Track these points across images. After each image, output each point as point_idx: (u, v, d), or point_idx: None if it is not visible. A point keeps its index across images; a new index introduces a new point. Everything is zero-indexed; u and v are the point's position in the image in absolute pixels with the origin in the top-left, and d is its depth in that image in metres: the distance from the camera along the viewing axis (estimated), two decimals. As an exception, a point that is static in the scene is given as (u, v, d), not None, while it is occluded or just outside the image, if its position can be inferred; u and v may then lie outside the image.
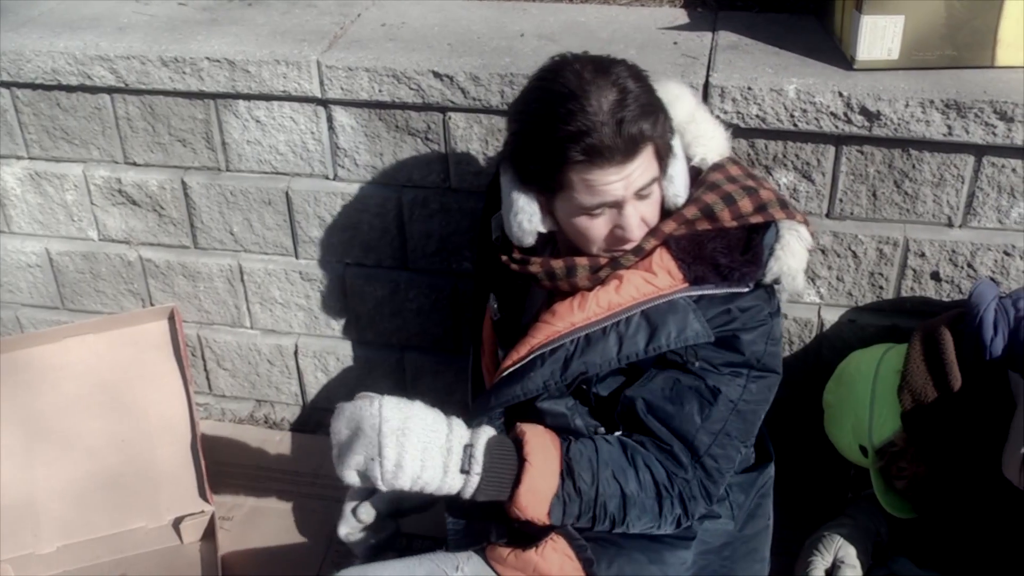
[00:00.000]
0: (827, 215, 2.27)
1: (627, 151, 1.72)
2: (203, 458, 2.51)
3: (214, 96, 2.41)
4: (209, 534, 2.46)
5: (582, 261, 1.86)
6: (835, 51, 2.23)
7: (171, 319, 2.60)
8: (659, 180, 1.81)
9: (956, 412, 2.02)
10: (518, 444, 1.79)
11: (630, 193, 1.77)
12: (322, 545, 2.41)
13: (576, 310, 1.84)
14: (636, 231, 1.81)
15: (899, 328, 2.30)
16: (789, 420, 2.50)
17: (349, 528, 1.99)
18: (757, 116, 2.14)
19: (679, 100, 1.94)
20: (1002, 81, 2.11)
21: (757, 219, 1.84)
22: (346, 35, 2.42)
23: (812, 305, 2.36)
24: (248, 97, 2.40)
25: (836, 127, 2.13)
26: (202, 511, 2.47)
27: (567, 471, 1.78)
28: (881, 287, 2.31)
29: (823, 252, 2.28)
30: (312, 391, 2.77)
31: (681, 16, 2.47)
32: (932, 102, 2.08)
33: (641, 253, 1.84)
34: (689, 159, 1.91)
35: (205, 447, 2.54)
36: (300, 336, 2.69)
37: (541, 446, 1.79)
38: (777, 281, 1.86)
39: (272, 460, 2.66)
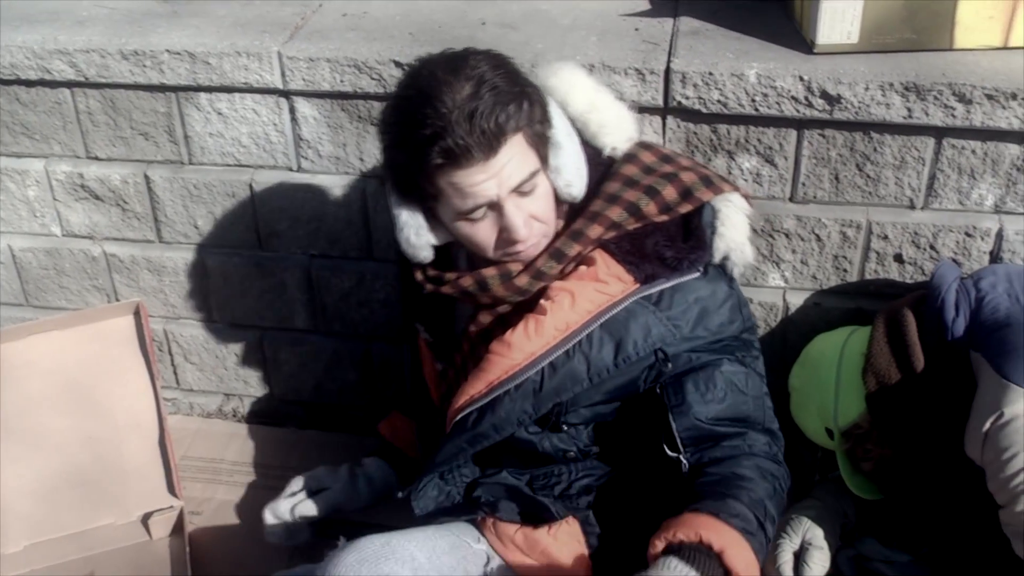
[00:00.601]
0: (790, 199, 2.28)
1: (487, 146, 1.65)
2: (171, 453, 2.50)
3: (175, 89, 2.40)
4: (178, 529, 2.45)
5: (490, 272, 1.81)
6: (795, 35, 2.24)
7: (137, 314, 2.58)
8: (542, 172, 1.75)
9: (919, 393, 2.03)
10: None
11: (505, 191, 1.70)
12: (292, 538, 2.40)
13: (533, 336, 1.76)
14: (523, 230, 1.74)
15: (864, 311, 2.32)
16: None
17: (272, 520, 2.17)
18: (719, 101, 2.15)
19: (575, 89, 1.88)
20: (961, 64, 2.13)
21: (687, 207, 1.80)
22: (307, 26, 2.41)
23: (777, 289, 2.37)
24: (210, 89, 2.38)
25: (797, 111, 2.14)
26: (171, 506, 2.46)
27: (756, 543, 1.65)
28: (845, 270, 2.32)
29: (787, 236, 2.29)
30: (280, 384, 2.76)
31: (643, 3, 2.47)
32: (892, 85, 2.09)
33: (563, 259, 1.78)
34: (600, 150, 1.86)
35: (173, 442, 2.53)
36: (267, 329, 2.68)
37: (737, 553, 1.60)
38: (727, 258, 1.85)
39: (241, 454, 2.65)
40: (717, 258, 1.84)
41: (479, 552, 1.92)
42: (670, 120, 2.21)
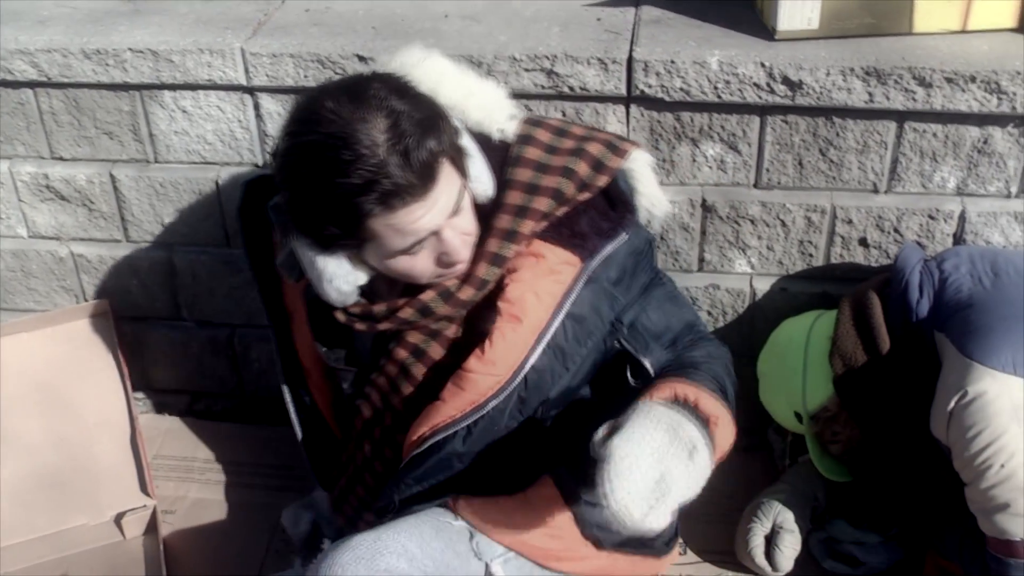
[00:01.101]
0: (755, 185, 2.29)
1: (425, 181, 1.59)
2: (143, 453, 2.49)
3: (139, 87, 2.39)
4: (152, 528, 2.44)
5: (429, 296, 1.77)
6: (756, 22, 2.25)
7: (105, 315, 2.58)
8: (465, 187, 1.72)
9: (886, 374, 2.05)
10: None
11: (443, 219, 1.66)
12: (265, 534, 2.40)
13: (512, 347, 1.74)
14: (463, 251, 1.72)
15: (830, 295, 2.33)
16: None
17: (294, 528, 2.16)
18: (681, 89, 2.16)
19: (444, 77, 1.80)
20: (920, 48, 2.15)
21: (604, 180, 1.81)
22: (270, 22, 2.41)
23: (744, 275, 2.38)
24: (173, 87, 2.37)
25: (760, 97, 2.15)
26: (144, 505, 2.45)
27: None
28: (811, 255, 2.34)
29: (752, 222, 2.30)
30: (250, 381, 2.76)
31: (605, -8, 2.48)
32: (852, 70, 2.10)
33: (504, 262, 1.75)
34: (488, 136, 1.82)
35: (145, 441, 2.53)
36: (236, 327, 2.68)
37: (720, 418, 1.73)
38: (651, 214, 1.89)
39: (213, 452, 2.65)
40: (644, 217, 1.87)
41: (461, 529, 1.91)
42: (633, 109, 2.22)
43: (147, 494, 2.47)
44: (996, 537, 1.87)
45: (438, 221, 1.65)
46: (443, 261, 1.72)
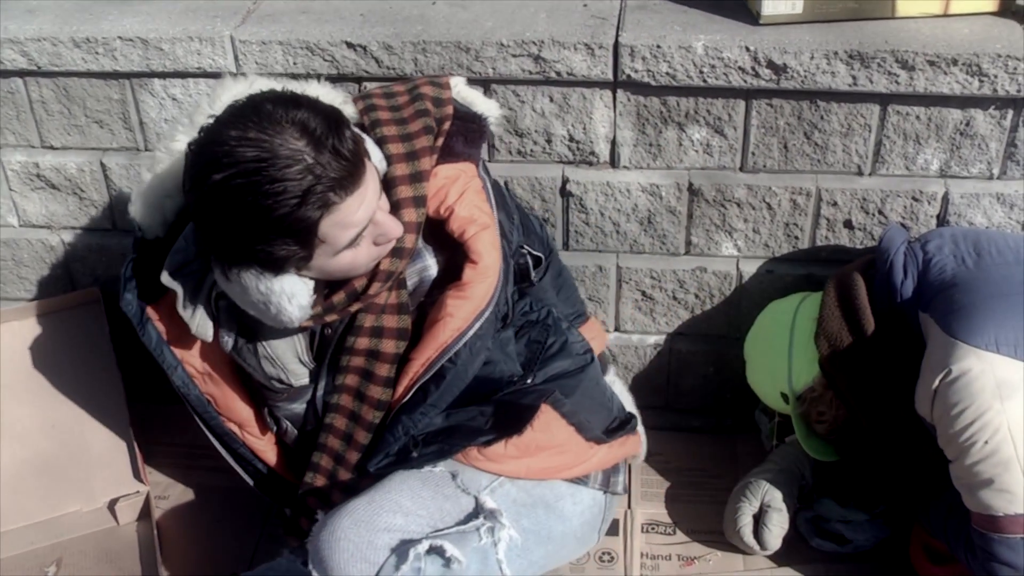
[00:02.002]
0: (741, 168, 2.32)
1: (357, 169, 1.67)
2: (136, 439, 2.51)
3: (129, 75, 2.40)
4: (145, 514, 2.46)
5: (385, 265, 1.84)
6: (741, 7, 2.27)
7: (97, 302, 2.59)
8: (374, 168, 1.78)
9: (871, 355, 2.08)
10: None
11: (375, 203, 1.74)
12: (259, 520, 2.42)
13: (490, 249, 1.87)
14: (395, 228, 1.78)
15: (816, 276, 2.36)
16: (713, 373, 2.56)
17: None
18: (667, 74, 2.18)
19: (257, 83, 1.87)
20: (903, 31, 2.17)
21: (449, 108, 1.93)
22: (259, 9, 2.42)
23: (730, 258, 2.41)
24: (163, 75, 2.38)
25: (745, 81, 2.17)
26: (137, 491, 2.46)
27: None
28: (796, 237, 2.36)
29: (738, 205, 2.33)
30: (244, 368, 2.77)
31: (592, -21, 2.50)
32: (836, 54, 2.13)
33: (425, 202, 1.86)
34: None
35: (138, 428, 2.54)
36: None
37: None
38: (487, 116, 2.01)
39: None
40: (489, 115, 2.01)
41: (443, 473, 1.96)
42: (620, 94, 2.24)
43: (140, 480, 2.48)
44: (980, 512, 1.90)
45: (372, 207, 1.73)
46: (380, 242, 1.79)
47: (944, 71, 2.12)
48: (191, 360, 2.02)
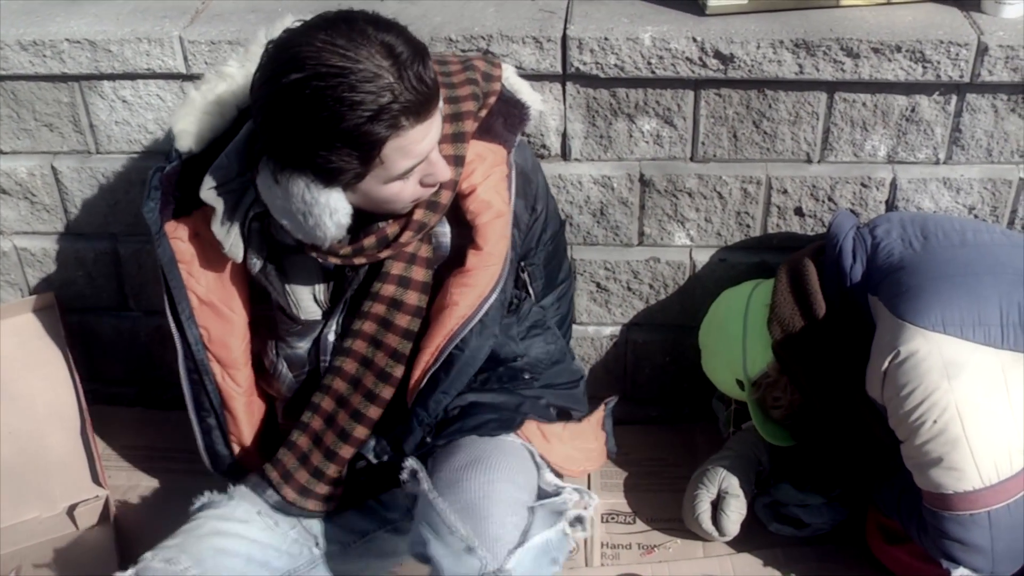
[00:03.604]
0: (691, 158, 2.33)
1: (432, 100, 1.70)
2: (94, 443, 2.50)
3: (77, 78, 2.38)
4: (105, 518, 2.44)
5: (420, 213, 1.87)
6: (687, -1, 2.29)
7: (52, 307, 2.57)
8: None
9: (823, 339, 2.10)
10: None
11: (437, 140, 1.78)
12: (220, 520, 2.41)
13: (498, 238, 1.91)
14: (445, 171, 1.81)
15: (768, 264, 2.38)
16: (669, 362, 2.57)
17: None
18: (616, 65, 2.19)
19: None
20: (847, 19, 2.20)
21: (497, 86, 1.96)
22: (208, 9, 2.41)
23: (683, 248, 2.43)
24: (112, 77, 2.37)
25: (693, 71, 2.19)
26: (96, 496, 2.45)
27: None
28: (748, 225, 2.39)
29: (690, 195, 2.34)
30: (202, 370, 2.76)
31: (541, -27, 2.51)
32: (782, 42, 2.15)
33: (463, 162, 1.89)
34: None
35: (96, 432, 2.53)
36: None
37: None
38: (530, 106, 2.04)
39: (165, 440, 2.65)
40: (533, 106, 2.04)
41: (523, 448, 2.02)
42: (569, 86, 2.25)
43: (99, 485, 2.47)
44: (931, 491, 1.92)
45: (434, 142, 1.76)
46: (426, 183, 1.80)
47: (888, 58, 2.15)
48: (195, 287, 1.99)
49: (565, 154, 2.35)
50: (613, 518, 2.38)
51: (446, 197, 1.88)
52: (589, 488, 2.42)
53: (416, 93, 1.65)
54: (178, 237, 1.94)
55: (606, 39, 2.17)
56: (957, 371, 1.87)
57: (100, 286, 2.66)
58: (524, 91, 2.02)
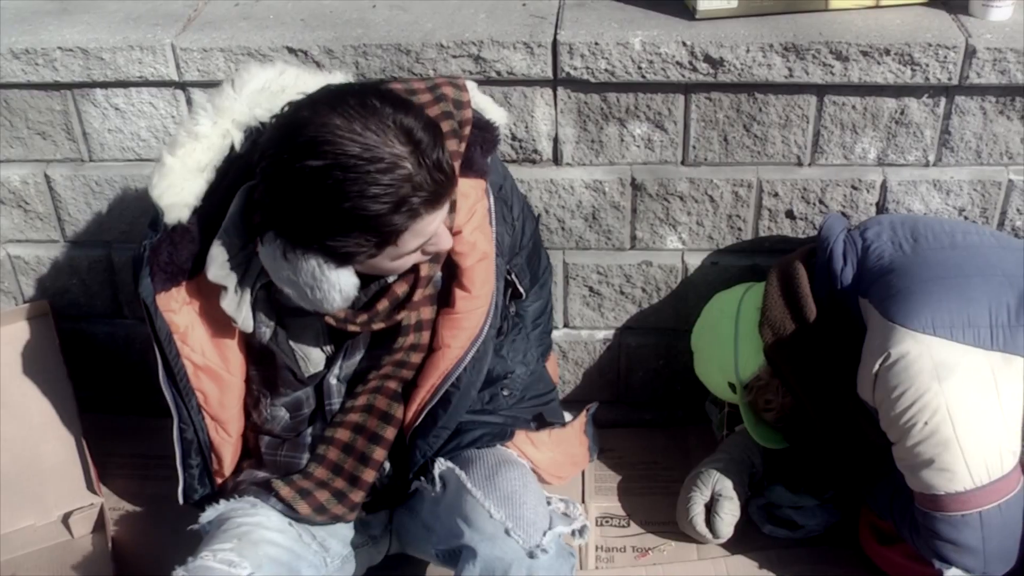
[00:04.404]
0: (682, 162, 2.34)
1: (450, 186, 1.70)
2: (89, 451, 2.50)
3: (70, 86, 2.39)
4: (100, 526, 2.45)
5: (402, 288, 1.88)
6: (677, 3, 2.30)
7: (46, 315, 2.57)
8: None
9: (814, 342, 2.11)
10: None
11: (445, 216, 1.77)
12: (215, 526, 2.42)
13: (485, 279, 1.93)
14: (448, 242, 1.81)
15: (760, 267, 2.39)
16: (663, 366, 2.58)
17: None
18: (606, 70, 2.20)
19: (300, 80, 1.85)
20: (836, 23, 2.21)
21: (468, 112, 1.90)
22: (200, 17, 2.42)
23: (675, 251, 2.43)
24: (105, 85, 2.38)
25: (683, 76, 2.20)
26: (91, 504, 2.45)
27: None
28: (740, 229, 2.39)
29: (681, 199, 2.35)
30: (197, 377, 2.76)
31: (531, -21, 2.52)
32: (772, 46, 2.16)
33: (455, 205, 1.87)
34: None
35: (90, 439, 2.53)
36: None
37: None
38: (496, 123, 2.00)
39: (159, 447, 2.61)
40: (499, 122, 1.99)
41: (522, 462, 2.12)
42: (560, 91, 2.26)
43: (94, 492, 2.47)
44: (922, 492, 1.93)
45: (443, 219, 1.76)
46: (428, 251, 1.80)
47: (877, 61, 2.16)
48: (190, 356, 1.97)
49: (557, 159, 2.35)
50: (607, 521, 2.39)
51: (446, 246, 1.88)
52: (583, 490, 2.45)
53: (435, 184, 1.64)
54: (171, 310, 1.91)
55: (596, 44, 2.18)
56: (947, 373, 1.87)
57: (94, 294, 2.66)
58: (489, 108, 1.99)
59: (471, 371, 1.97)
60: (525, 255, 2.15)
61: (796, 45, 2.15)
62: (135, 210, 2.52)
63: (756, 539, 2.31)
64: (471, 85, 1.96)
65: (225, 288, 1.85)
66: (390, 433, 1.99)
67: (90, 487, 2.48)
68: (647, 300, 2.48)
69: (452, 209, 1.85)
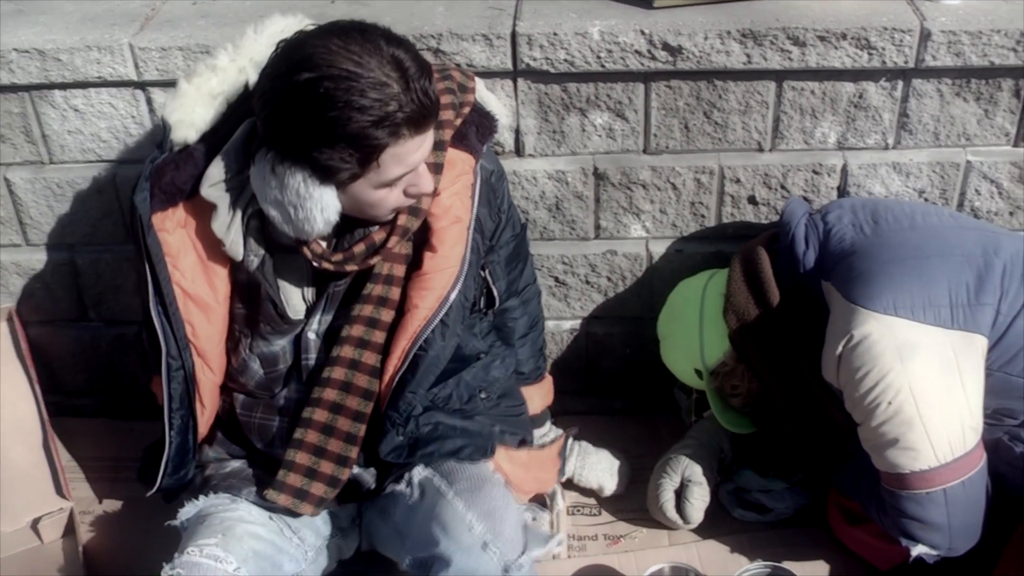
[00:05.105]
0: (644, 151, 2.35)
1: (431, 115, 1.76)
2: (57, 456, 2.48)
3: (28, 88, 2.37)
4: (69, 531, 2.43)
5: (379, 235, 1.91)
6: (634, -7, 2.31)
7: (10, 320, 2.55)
8: None
9: (778, 326, 2.13)
10: None
11: (428, 152, 1.82)
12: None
13: (454, 242, 1.95)
14: (429, 184, 1.86)
15: (724, 253, 2.41)
16: (630, 354, 2.59)
17: None
18: (565, 60, 2.21)
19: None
20: (793, 8, 2.23)
21: (471, 97, 2.00)
22: (157, 16, 2.41)
23: (639, 240, 2.44)
24: (63, 86, 2.36)
25: (642, 64, 2.21)
26: (60, 508, 2.44)
27: None
28: (703, 216, 2.41)
29: (644, 187, 2.36)
30: (164, 378, 2.75)
31: (489, -29, 2.52)
32: (729, 33, 2.17)
33: (442, 169, 1.92)
34: None
35: (59, 444, 2.51)
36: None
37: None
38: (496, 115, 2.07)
39: (128, 450, 2.61)
40: (500, 117, 2.08)
41: (499, 479, 2.11)
42: (520, 83, 2.26)
43: (63, 497, 2.46)
44: (888, 471, 1.95)
45: (425, 155, 1.82)
46: (410, 192, 1.85)
47: (835, 46, 2.17)
48: (180, 281, 1.96)
49: (519, 150, 2.36)
50: (579, 510, 2.40)
51: (427, 203, 1.93)
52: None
53: (419, 106, 1.71)
54: (165, 229, 1.93)
55: (555, 34, 2.19)
56: (910, 353, 1.89)
57: (59, 297, 2.64)
58: (492, 103, 2.07)
59: (441, 335, 1.97)
60: (504, 255, 2.16)
61: (753, 32, 2.16)
62: (98, 212, 2.50)
63: (727, 523, 2.33)
64: (480, 81, 2.08)
65: (216, 208, 1.88)
66: (370, 409, 1.99)
67: (59, 492, 2.47)
68: (613, 289, 2.49)
69: (438, 171, 1.90)
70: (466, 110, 1.99)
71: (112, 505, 2.51)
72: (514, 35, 2.20)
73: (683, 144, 2.33)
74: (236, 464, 2.13)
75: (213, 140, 1.90)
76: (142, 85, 2.35)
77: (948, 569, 2.02)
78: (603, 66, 2.21)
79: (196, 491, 2.11)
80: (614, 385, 2.65)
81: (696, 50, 2.18)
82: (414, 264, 1.98)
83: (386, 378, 1.98)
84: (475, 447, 2.05)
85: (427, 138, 1.79)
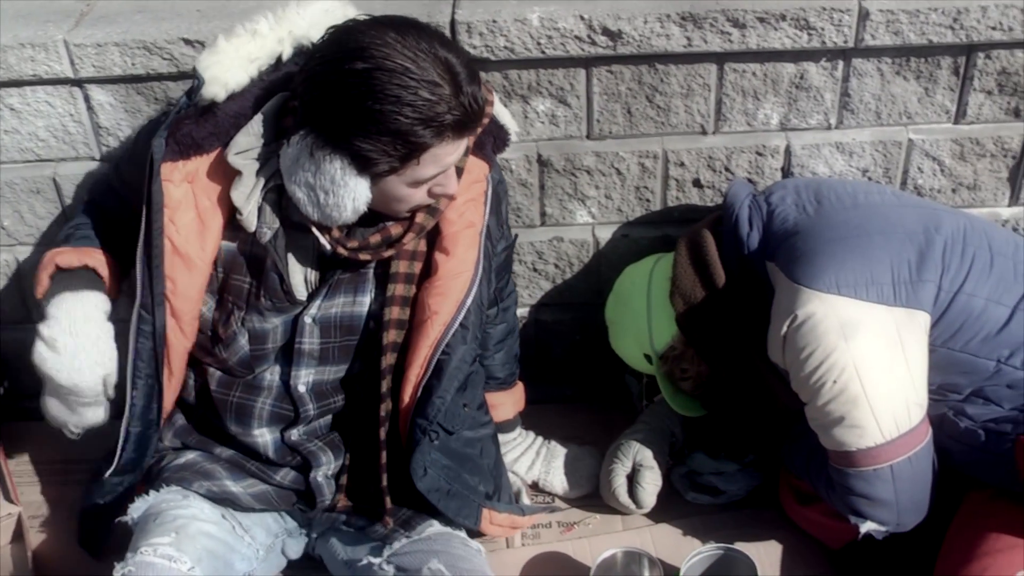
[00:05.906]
0: (587, 136, 2.35)
1: (477, 121, 1.79)
2: (4, 460, 2.45)
3: (-39, 88, 2.34)
4: (19, 536, 2.40)
5: (396, 229, 1.92)
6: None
7: (-48, 324, 2.52)
8: None
9: (724, 308, 2.13)
10: None
11: (460, 156, 1.85)
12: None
13: (468, 247, 1.97)
14: (454, 187, 1.89)
15: (670, 237, 2.41)
16: (580, 340, 2.59)
17: None
18: (505, 48, 2.20)
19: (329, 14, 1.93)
20: (732, -10, 2.23)
21: (490, 108, 1.96)
22: (93, 12, 2.37)
23: (586, 226, 2.44)
24: (-2, 85, 2.33)
25: (583, 49, 2.21)
26: (8, 513, 2.40)
27: None
28: (648, 200, 2.41)
29: (588, 173, 2.36)
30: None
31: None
32: (669, 16, 2.17)
33: (463, 172, 1.93)
34: None
35: (6, 448, 2.48)
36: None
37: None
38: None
39: (78, 453, 2.55)
40: (512, 130, 2.09)
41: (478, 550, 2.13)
42: (461, 70, 2.25)
43: (11, 502, 2.43)
44: (835, 450, 1.96)
45: (459, 157, 1.84)
46: (435, 192, 1.87)
47: (774, 27, 2.18)
48: (172, 235, 1.93)
49: (462, 139, 2.35)
50: (533, 498, 2.39)
51: (444, 204, 1.94)
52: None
53: (467, 111, 1.73)
54: (171, 180, 1.90)
55: (494, 22, 2.18)
56: (853, 331, 1.90)
57: (2, 299, 2.61)
58: (505, 116, 2.08)
59: (462, 340, 1.97)
60: (495, 266, 2.16)
61: (693, 14, 2.16)
62: (38, 212, 2.47)
63: (680, 507, 2.33)
64: (496, 95, 2.07)
65: (240, 175, 1.87)
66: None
67: (7, 497, 2.43)
68: (560, 276, 2.49)
69: (459, 175, 1.91)
70: (486, 120, 1.96)
71: (62, 509, 2.48)
72: (453, 23, 2.19)
73: (626, 129, 2.33)
74: (191, 455, 2.11)
75: (237, 103, 1.89)
76: (79, 82, 2.32)
77: (897, 545, 2.03)
78: (544, 52, 2.20)
79: (148, 483, 2.09)
80: (564, 372, 2.65)
81: (636, 34, 2.18)
82: (425, 271, 1.99)
83: (409, 388, 1.97)
84: (462, 513, 2.07)
85: (465, 142, 1.82)
